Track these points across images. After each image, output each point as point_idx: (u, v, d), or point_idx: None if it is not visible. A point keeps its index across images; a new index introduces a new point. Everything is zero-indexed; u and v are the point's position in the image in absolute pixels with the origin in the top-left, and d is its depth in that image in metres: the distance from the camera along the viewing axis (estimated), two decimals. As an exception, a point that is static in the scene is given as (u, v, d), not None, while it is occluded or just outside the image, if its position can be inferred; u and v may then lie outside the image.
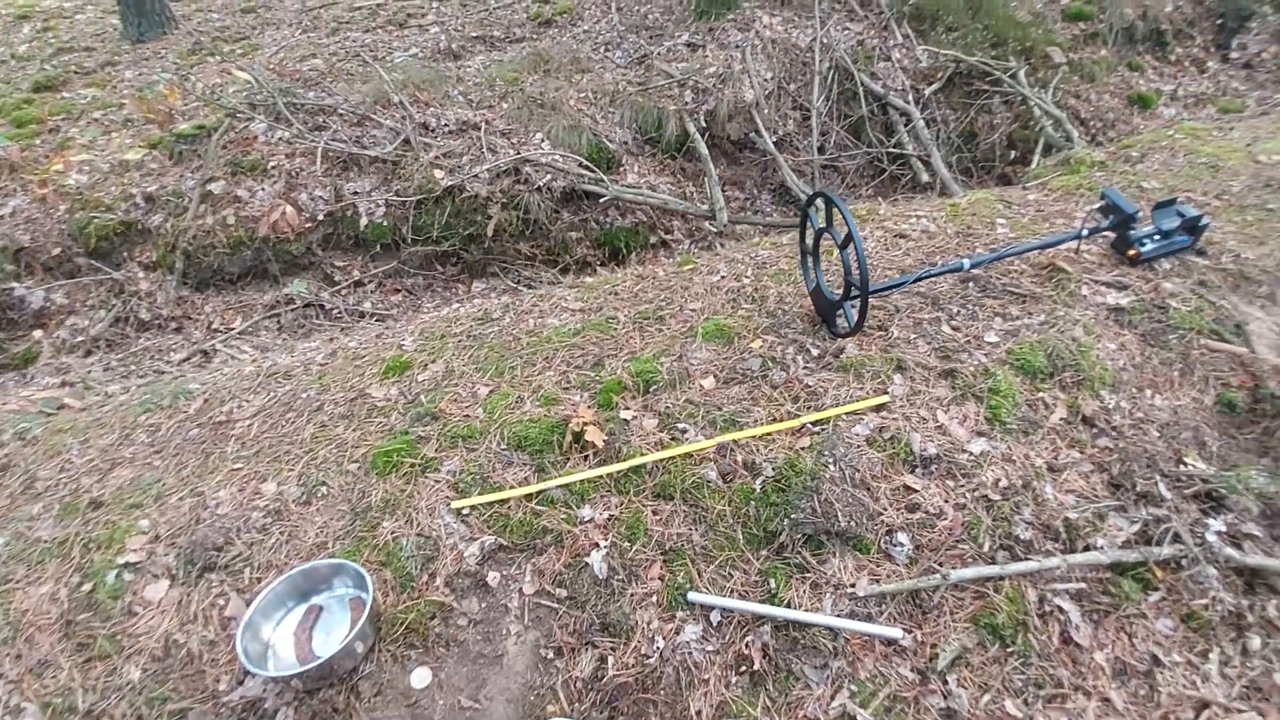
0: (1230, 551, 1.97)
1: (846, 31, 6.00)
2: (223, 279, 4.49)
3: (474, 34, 6.72)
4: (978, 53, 5.73)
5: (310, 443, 2.43)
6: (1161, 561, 1.95)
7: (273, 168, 4.53)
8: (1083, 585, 1.91)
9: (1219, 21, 6.65)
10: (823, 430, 2.19)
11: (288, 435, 2.49)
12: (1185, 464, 2.18)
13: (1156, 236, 2.74)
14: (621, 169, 5.08)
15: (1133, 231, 2.75)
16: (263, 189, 4.46)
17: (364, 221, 4.47)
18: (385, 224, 4.50)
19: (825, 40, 5.81)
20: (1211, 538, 1.99)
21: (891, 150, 5.41)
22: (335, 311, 4.39)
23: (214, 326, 4.31)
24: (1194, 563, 1.94)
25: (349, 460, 2.33)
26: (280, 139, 4.67)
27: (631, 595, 1.92)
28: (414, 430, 2.39)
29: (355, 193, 4.52)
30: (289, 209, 4.37)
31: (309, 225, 4.44)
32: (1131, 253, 2.74)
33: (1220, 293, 2.67)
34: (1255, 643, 1.88)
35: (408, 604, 1.94)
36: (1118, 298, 2.64)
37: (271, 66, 5.88)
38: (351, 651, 1.81)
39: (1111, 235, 2.82)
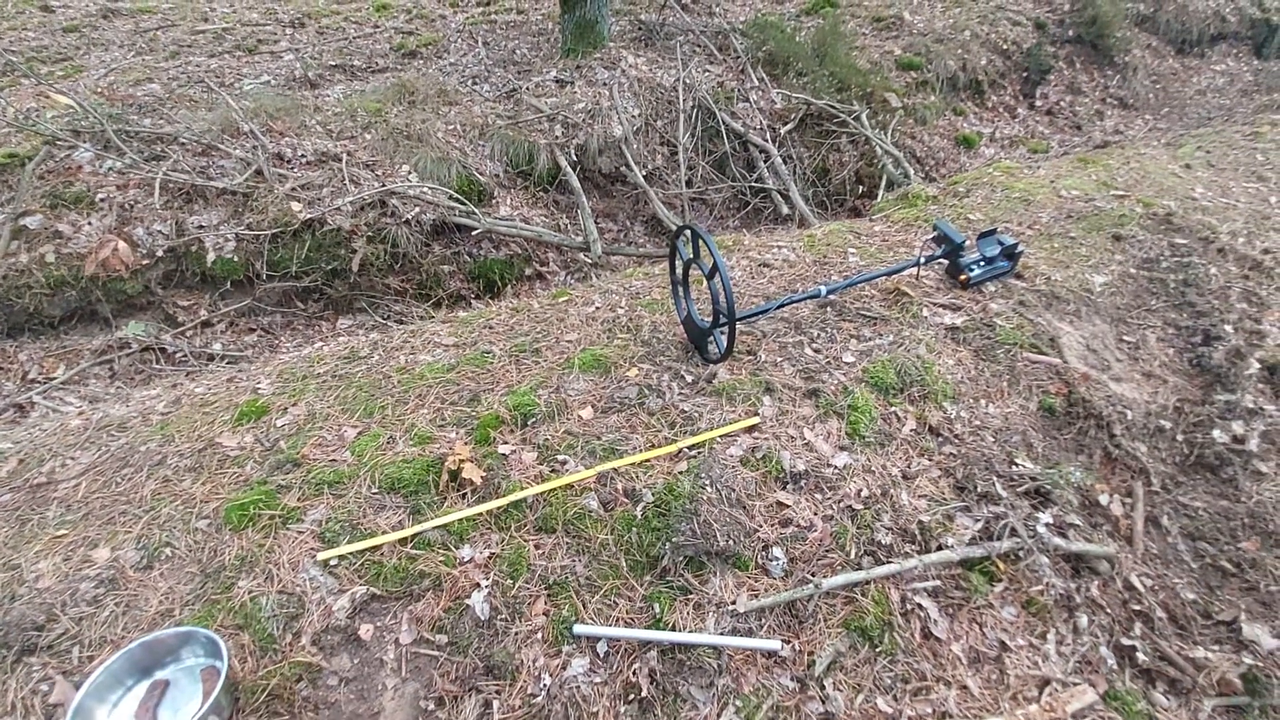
0: (1058, 540, 2.21)
1: (707, 73, 6.33)
2: (41, 323, 4.00)
3: (332, 63, 6.49)
4: (825, 96, 6.21)
5: (151, 500, 2.20)
6: (1002, 554, 2.15)
7: (101, 200, 4.11)
8: (938, 583, 2.07)
9: (1025, 74, 7.63)
10: (699, 454, 2.25)
11: (124, 494, 2.24)
12: (1017, 464, 2.43)
13: (982, 263, 3.06)
14: (494, 201, 5.04)
15: (962, 258, 3.06)
16: (90, 223, 4.03)
17: (211, 257, 4.15)
18: (236, 259, 4.20)
19: (688, 81, 6.10)
20: (1042, 529, 2.22)
21: (754, 185, 5.73)
22: (179, 355, 4.02)
23: (31, 377, 3.82)
24: (1029, 553, 2.16)
25: (198, 517, 2.13)
26: (111, 169, 4.25)
27: (516, 634, 1.87)
28: (273, 479, 2.23)
29: (201, 226, 4.19)
30: (121, 244, 3.98)
31: (146, 262, 4.05)
32: (962, 277, 3.05)
33: (1037, 311, 3.02)
34: (1083, 621, 2.11)
35: (270, 668, 1.79)
36: (953, 318, 2.92)
37: (99, 90, 5.39)
38: (205, 728, 1.64)
39: (945, 262, 3.13)
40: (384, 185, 4.52)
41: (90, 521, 2.15)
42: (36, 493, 2.28)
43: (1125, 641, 2.11)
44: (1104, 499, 2.45)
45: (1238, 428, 2.69)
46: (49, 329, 4.02)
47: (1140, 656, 2.07)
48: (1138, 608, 2.21)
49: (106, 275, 3.96)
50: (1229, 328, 3.06)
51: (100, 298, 4.01)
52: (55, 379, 3.77)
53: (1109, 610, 2.17)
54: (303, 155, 4.62)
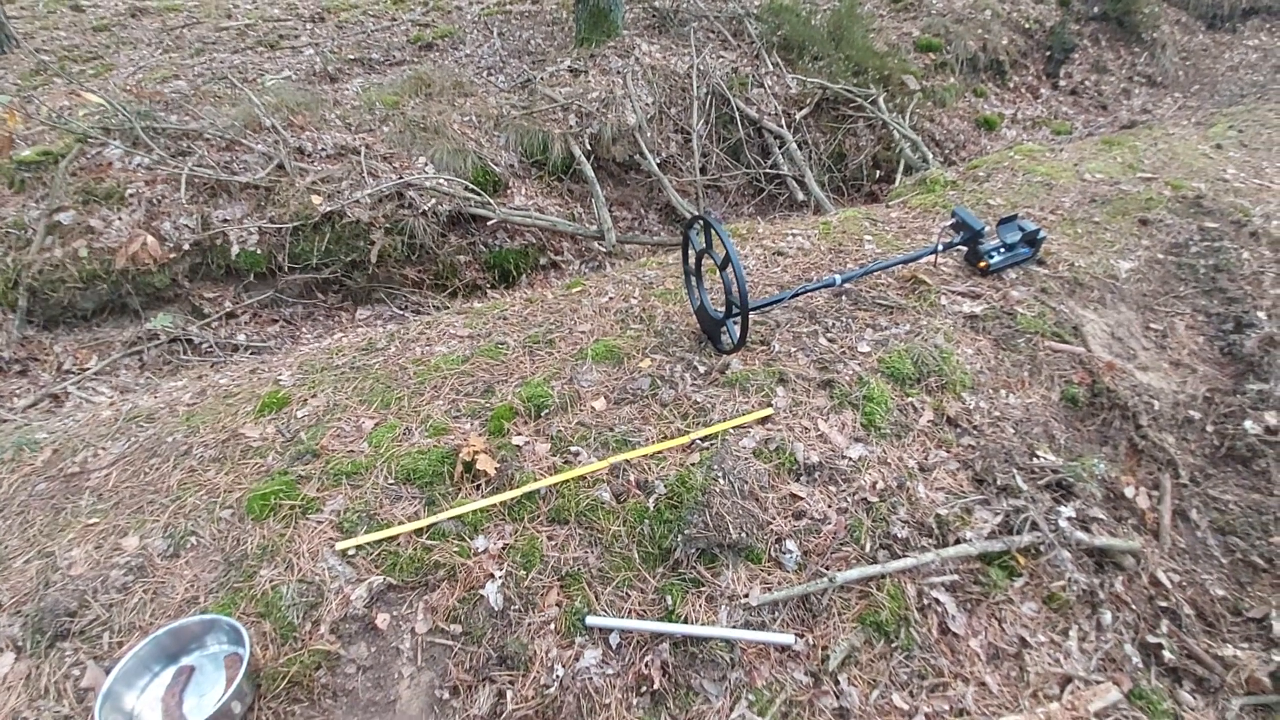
0: (1080, 535, 2.16)
1: (721, 60, 6.25)
2: (74, 316, 4.10)
3: (351, 56, 6.52)
4: (841, 80, 6.10)
5: (177, 490, 2.25)
6: (1023, 549, 2.11)
7: (131, 195, 4.20)
8: (956, 577, 2.04)
9: (1048, 53, 7.42)
10: (712, 445, 2.25)
11: (151, 483, 2.30)
12: (1038, 457, 2.38)
13: (1002, 249, 3.00)
14: (509, 191, 5.05)
15: (982, 245, 3.00)
16: (120, 218, 4.12)
17: (235, 250, 4.22)
18: (259, 252, 4.27)
19: (702, 67, 6.03)
20: (1064, 523, 2.18)
21: (769, 171, 5.67)
22: (205, 346, 4.10)
23: (65, 368, 3.92)
24: (1050, 548, 2.12)
25: (221, 506, 2.17)
26: (139, 165, 4.33)
27: (529, 625, 1.89)
28: (293, 470, 2.27)
29: (225, 220, 4.26)
30: (150, 239, 4.06)
31: (173, 255, 4.13)
32: (982, 265, 2.99)
33: (1059, 298, 2.95)
34: (1107, 617, 2.07)
35: (290, 656, 1.82)
36: (972, 306, 2.87)
37: (128, 88, 5.48)
38: (228, 713, 1.68)
39: (964, 249, 3.07)
40: (401, 177, 4.55)
41: (120, 510, 2.21)
42: (70, 482, 2.35)
43: (1151, 639, 2.06)
44: (1129, 492, 2.40)
45: (1271, 418, 2.61)
46: (82, 321, 4.13)
47: (1166, 654, 2.03)
48: (1164, 604, 2.16)
49: (136, 269, 4.05)
50: (1262, 314, 2.97)
51: (130, 290, 4.10)
52: (88, 370, 3.87)
53: (1134, 606, 2.12)
54: (323, 149, 4.67)
